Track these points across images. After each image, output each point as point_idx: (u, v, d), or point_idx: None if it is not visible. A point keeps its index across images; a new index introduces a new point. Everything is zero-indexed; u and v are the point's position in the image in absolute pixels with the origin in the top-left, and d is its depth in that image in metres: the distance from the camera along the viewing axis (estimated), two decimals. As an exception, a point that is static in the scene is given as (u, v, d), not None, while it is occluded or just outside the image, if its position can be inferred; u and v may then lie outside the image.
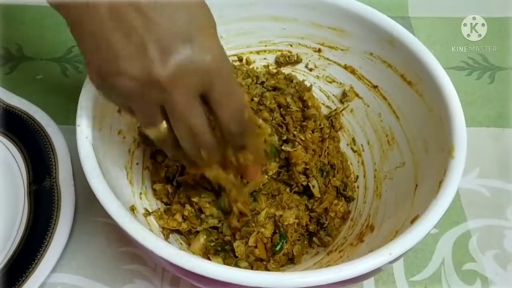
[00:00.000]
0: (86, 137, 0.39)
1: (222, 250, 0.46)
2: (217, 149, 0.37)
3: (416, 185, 0.45)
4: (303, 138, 0.50)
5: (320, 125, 0.52)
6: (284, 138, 0.51)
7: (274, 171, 0.49)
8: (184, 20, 0.32)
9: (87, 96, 0.42)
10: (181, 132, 0.35)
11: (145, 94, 0.33)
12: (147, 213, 0.46)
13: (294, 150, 0.49)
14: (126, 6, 0.31)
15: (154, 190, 0.49)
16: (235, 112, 0.35)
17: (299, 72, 0.57)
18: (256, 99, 0.52)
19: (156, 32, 0.31)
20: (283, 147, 0.49)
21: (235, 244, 0.45)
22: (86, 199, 0.52)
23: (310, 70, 0.56)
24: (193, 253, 0.46)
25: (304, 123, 0.52)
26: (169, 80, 0.32)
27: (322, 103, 0.56)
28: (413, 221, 0.38)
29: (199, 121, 0.34)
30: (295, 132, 0.50)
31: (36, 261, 0.47)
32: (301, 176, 0.49)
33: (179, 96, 0.32)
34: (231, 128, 0.36)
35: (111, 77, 0.32)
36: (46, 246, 0.48)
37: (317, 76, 0.56)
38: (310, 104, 0.53)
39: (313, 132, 0.51)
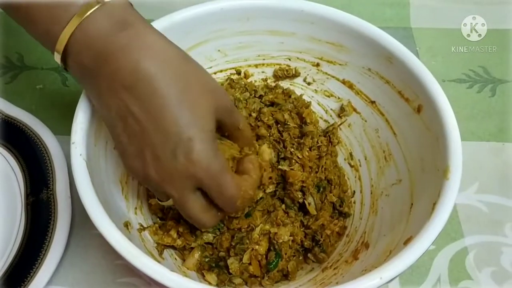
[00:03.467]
0: (80, 155, 0.40)
1: (217, 266, 0.46)
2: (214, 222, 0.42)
3: (412, 204, 0.44)
4: (300, 156, 0.50)
5: (317, 142, 0.52)
6: (282, 155, 0.50)
7: (271, 190, 0.48)
8: (176, 131, 0.36)
9: (83, 111, 0.42)
10: (182, 214, 0.41)
11: (147, 184, 0.40)
12: (142, 229, 0.46)
13: (291, 169, 0.49)
14: (130, 114, 0.36)
15: (149, 205, 0.49)
16: (227, 202, 0.39)
17: (297, 86, 0.57)
18: (254, 115, 0.52)
19: (150, 142, 0.36)
20: (280, 166, 0.49)
21: (229, 261, 0.45)
22: (83, 211, 0.50)
23: (309, 84, 0.56)
24: (188, 269, 0.46)
25: (302, 140, 0.51)
26: (160, 181, 0.37)
27: (320, 117, 0.56)
28: (406, 242, 0.38)
29: (193, 211, 0.39)
30: (292, 150, 0.50)
31: (32, 273, 0.47)
32: (297, 192, 0.49)
33: (173, 191, 0.38)
34: (226, 210, 0.41)
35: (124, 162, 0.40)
36: (42, 258, 0.48)
37: (315, 90, 0.56)
38: (308, 120, 0.53)
39: (310, 149, 0.51)
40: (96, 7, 0.36)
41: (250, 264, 0.45)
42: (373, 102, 0.52)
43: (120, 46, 0.36)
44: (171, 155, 0.36)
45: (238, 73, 0.56)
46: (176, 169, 0.36)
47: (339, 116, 0.55)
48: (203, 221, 0.40)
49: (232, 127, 0.42)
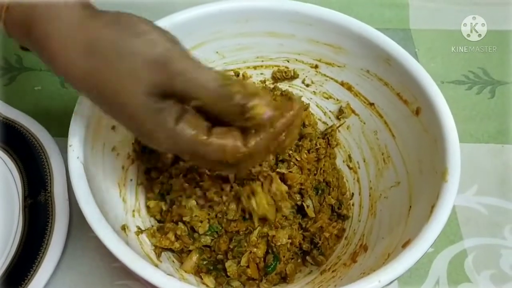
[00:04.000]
0: (78, 158, 0.39)
1: (214, 269, 0.46)
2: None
3: (410, 206, 0.44)
4: (298, 158, 0.50)
5: (316, 144, 0.52)
6: (280, 158, 0.50)
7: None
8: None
9: (80, 114, 0.42)
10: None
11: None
12: (140, 231, 0.46)
13: (290, 172, 0.49)
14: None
15: (147, 207, 0.49)
16: (206, 92, 0.34)
17: (296, 88, 0.57)
18: (252, 116, 0.52)
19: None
20: (278, 169, 0.49)
21: (227, 264, 0.45)
22: (80, 214, 0.50)
23: (307, 86, 0.56)
24: (185, 271, 0.46)
25: (300, 143, 0.51)
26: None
27: (318, 119, 0.56)
28: (405, 245, 0.38)
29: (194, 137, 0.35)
30: (290, 152, 0.50)
31: (30, 275, 0.47)
32: (296, 195, 0.49)
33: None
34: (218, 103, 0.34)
35: None
36: (40, 260, 0.48)
37: (314, 92, 0.56)
38: (306, 122, 0.53)
39: (309, 152, 0.51)
40: None
41: (248, 267, 0.45)
42: (371, 104, 0.52)
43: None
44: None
45: (237, 75, 0.56)
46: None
47: (337, 118, 0.55)
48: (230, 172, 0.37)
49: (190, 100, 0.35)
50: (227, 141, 0.35)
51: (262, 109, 0.34)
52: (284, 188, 0.48)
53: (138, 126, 0.35)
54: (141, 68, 0.33)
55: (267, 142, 0.36)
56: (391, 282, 0.35)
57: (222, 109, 0.34)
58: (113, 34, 0.33)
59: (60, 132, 0.57)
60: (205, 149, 0.35)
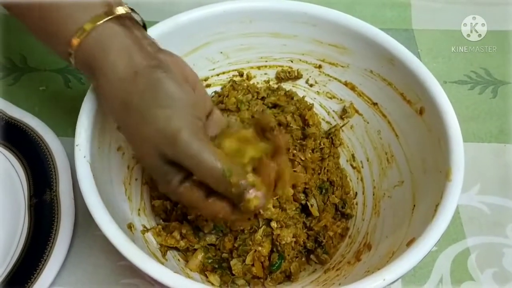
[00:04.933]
0: (84, 157, 0.40)
1: (220, 268, 0.47)
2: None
3: (414, 206, 0.45)
4: (303, 158, 0.50)
5: (320, 144, 0.52)
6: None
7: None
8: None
9: (86, 114, 0.42)
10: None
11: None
12: (145, 230, 0.46)
13: (294, 171, 0.49)
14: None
15: (152, 206, 0.50)
16: (209, 176, 0.37)
17: (299, 88, 0.57)
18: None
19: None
20: None
21: (232, 262, 0.45)
22: (86, 212, 0.51)
23: (311, 86, 0.57)
24: (191, 270, 0.46)
25: (304, 142, 0.52)
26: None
27: (322, 119, 0.57)
28: (409, 243, 0.38)
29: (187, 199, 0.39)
30: (294, 151, 0.51)
31: (36, 274, 0.47)
32: (300, 194, 0.50)
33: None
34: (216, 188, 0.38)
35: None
36: (46, 259, 0.48)
37: (317, 92, 0.56)
38: (310, 122, 0.53)
39: (313, 151, 0.51)
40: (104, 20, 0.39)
41: (253, 265, 0.46)
42: (375, 104, 0.52)
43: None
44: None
45: (241, 75, 0.57)
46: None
47: (341, 117, 0.56)
48: (204, 211, 0.40)
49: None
50: (218, 211, 0.39)
51: (255, 202, 0.37)
52: (290, 191, 0.48)
53: (152, 175, 0.42)
54: (156, 137, 0.37)
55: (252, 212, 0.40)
56: (395, 281, 0.36)
57: (221, 192, 0.38)
58: (142, 101, 0.37)
59: (64, 131, 0.57)
60: (201, 211, 0.40)
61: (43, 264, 0.48)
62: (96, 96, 0.43)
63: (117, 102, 0.38)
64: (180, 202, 0.41)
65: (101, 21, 0.38)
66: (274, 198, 0.48)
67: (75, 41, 0.39)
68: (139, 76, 0.38)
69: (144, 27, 0.43)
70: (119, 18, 0.39)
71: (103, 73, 0.39)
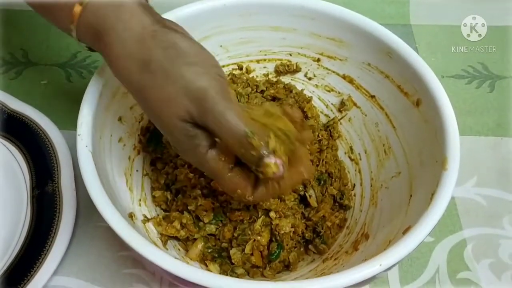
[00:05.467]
0: (86, 146, 0.40)
1: (219, 257, 0.47)
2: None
3: (411, 195, 0.45)
4: (301, 149, 0.51)
5: (318, 136, 0.52)
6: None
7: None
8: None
9: (88, 105, 0.43)
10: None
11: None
12: (146, 220, 0.47)
13: None
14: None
15: (153, 197, 0.50)
16: (231, 136, 0.36)
17: (298, 81, 0.58)
18: (255, 109, 0.53)
19: None
20: None
21: (232, 252, 0.46)
22: (87, 203, 0.53)
23: (309, 79, 0.57)
24: (191, 259, 0.47)
25: (303, 134, 0.52)
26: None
27: (321, 112, 0.57)
28: (405, 231, 0.39)
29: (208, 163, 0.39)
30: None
31: (38, 264, 0.48)
32: (299, 185, 0.50)
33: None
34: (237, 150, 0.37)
35: None
36: (48, 249, 0.49)
37: (316, 85, 0.57)
38: (309, 115, 0.54)
39: (311, 143, 0.52)
40: None
41: (252, 254, 0.46)
42: (373, 97, 0.53)
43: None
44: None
45: (240, 68, 0.57)
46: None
47: (339, 110, 0.56)
48: (225, 184, 0.40)
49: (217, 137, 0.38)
50: (239, 185, 0.39)
51: (274, 168, 0.37)
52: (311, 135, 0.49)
53: (175, 143, 0.39)
54: (182, 95, 0.36)
55: (270, 195, 0.41)
56: (392, 266, 0.36)
57: (241, 155, 0.37)
58: (166, 58, 0.36)
59: (66, 124, 0.58)
60: (221, 181, 0.40)
61: (45, 254, 0.48)
62: (106, 62, 0.40)
63: (134, 62, 0.37)
64: (203, 169, 0.40)
65: None
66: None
67: (77, 9, 0.38)
68: (158, 34, 0.37)
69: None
70: None
71: (116, 33, 0.37)
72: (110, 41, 0.38)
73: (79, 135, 0.41)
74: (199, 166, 0.40)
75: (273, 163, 0.36)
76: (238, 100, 0.54)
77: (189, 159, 0.40)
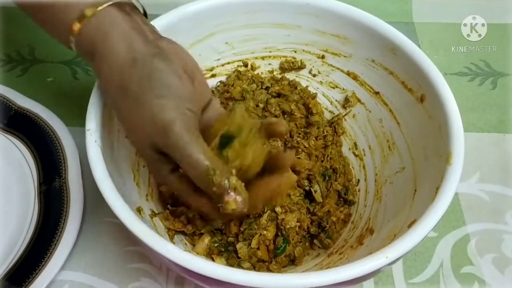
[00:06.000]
0: (95, 141, 0.41)
1: (226, 251, 0.48)
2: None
3: (415, 190, 0.46)
4: (306, 145, 0.51)
5: (323, 132, 0.53)
6: (288, 145, 0.52)
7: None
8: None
9: (96, 100, 0.43)
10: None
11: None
12: (153, 214, 0.47)
13: (298, 158, 0.50)
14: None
15: (160, 192, 0.51)
16: (193, 171, 0.37)
17: (303, 78, 0.58)
18: (261, 105, 0.54)
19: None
20: None
21: (238, 246, 0.47)
22: (94, 199, 0.53)
23: (314, 76, 0.58)
24: (197, 253, 0.47)
25: (308, 130, 0.53)
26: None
27: (325, 108, 0.58)
28: (410, 225, 0.39)
29: (176, 189, 0.41)
30: (298, 139, 0.52)
31: (46, 259, 0.48)
32: (304, 180, 0.51)
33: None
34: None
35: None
36: (55, 244, 0.49)
37: (320, 81, 0.58)
38: (314, 111, 0.54)
39: (316, 139, 0.52)
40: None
41: (258, 248, 0.47)
42: (377, 93, 0.53)
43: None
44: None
45: (245, 65, 0.58)
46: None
47: (343, 107, 0.57)
48: (189, 203, 0.42)
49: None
50: (202, 205, 0.40)
51: (233, 205, 0.37)
52: (295, 177, 0.49)
53: (144, 161, 0.44)
54: (148, 125, 0.38)
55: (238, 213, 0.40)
56: (397, 259, 0.37)
57: (203, 188, 0.38)
58: (139, 89, 0.38)
59: (72, 121, 0.58)
60: (187, 201, 0.42)
61: (52, 249, 0.49)
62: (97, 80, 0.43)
63: (114, 86, 0.39)
64: (170, 190, 0.43)
65: (102, 7, 0.39)
66: None
67: (76, 27, 0.39)
68: (138, 62, 0.38)
69: (145, 14, 0.44)
70: (120, 5, 0.40)
71: (104, 58, 0.39)
72: (98, 67, 0.40)
73: (88, 129, 0.42)
74: (167, 187, 0.44)
75: (232, 200, 0.37)
76: (243, 97, 0.54)
77: (155, 178, 0.45)
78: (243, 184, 0.38)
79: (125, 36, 0.39)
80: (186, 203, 0.43)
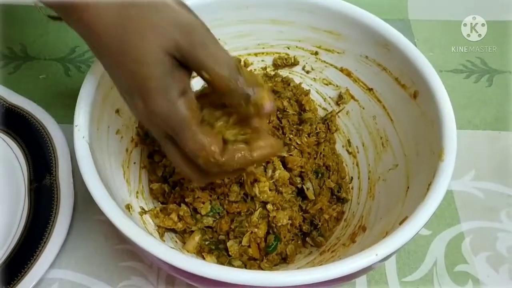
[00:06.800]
0: (83, 137, 0.40)
1: (216, 249, 0.47)
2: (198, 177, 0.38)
3: (408, 187, 0.45)
4: (299, 142, 0.51)
5: (316, 129, 0.53)
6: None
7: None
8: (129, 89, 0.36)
9: (86, 96, 0.43)
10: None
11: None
12: (143, 212, 0.47)
13: (290, 155, 0.50)
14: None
15: (150, 189, 0.50)
16: (191, 156, 0.35)
17: (296, 74, 0.58)
18: (253, 102, 0.53)
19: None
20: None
21: (229, 244, 0.46)
22: (85, 197, 0.53)
23: (307, 72, 0.57)
24: (188, 251, 0.47)
25: (300, 127, 0.52)
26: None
27: (318, 105, 0.57)
28: (401, 222, 0.39)
29: (174, 160, 0.38)
30: (291, 136, 0.51)
31: (35, 256, 0.48)
32: (296, 178, 0.50)
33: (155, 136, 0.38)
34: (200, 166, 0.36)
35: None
36: (45, 242, 0.49)
37: (314, 78, 0.57)
38: (307, 107, 0.54)
39: (309, 136, 0.52)
40: None
41: (249, 246, 0.46)
42: (370, 90, 0.53)
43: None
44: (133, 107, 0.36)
45: (238, 61, 0.57)
46: (146, 117, 0.36)
47: (337, 103, 0.56)
48: (187, 173, 0.38)
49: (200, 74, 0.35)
50: (210, 141, 0.35)
51: (266, 99, 0.35)
52: (286, 175, 0.49)
53: (143, 79, 0.34)
54: (170, 26, 0.33)
55: (240, 163, 0.37)
56: (388, 257, 0.36)
57: (228, 90, 0.34)
58: None
59: (64, 118, 0.58)
60: (188, 135, 0.35)
61: (42, 247, 0.48)
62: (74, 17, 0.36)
63: (111, 8, 0.34)
64: (168, 121, 0.35)
65: None
66: (270, 181, 0.48)
67: None
68: None
69: None
70: None
71: None
72: (82, 7, 0.35)
73: (76, 125, 0.41)
74: (164, 115, 0.34)
75: (265, 94, 0.35)
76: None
77: (154, 103, 0.34)
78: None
79: None
80: (186, 140, 0.35)
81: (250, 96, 0.35)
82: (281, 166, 0.50)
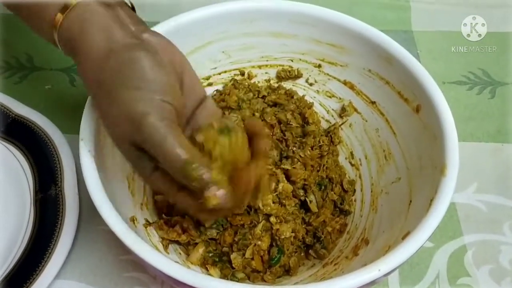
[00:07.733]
0: (89, 151, 0.41)
1: (220, 261, 0.47)
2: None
3: (410, 201, 0.46)
4: (302, 155, 0.51)
5: (319, 142, 0.53)
6: (284, 154, 0.52)
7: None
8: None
9: (91, 109, 0.43)
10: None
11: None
12: (148, 224, 0.47)
13: (294, 168, 0.50)
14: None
15: (155, 201, 0.51)
16: (171, 165, 0.36)
17: (299, 87, 0.58)
18: (257, 114, 0.54)
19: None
20: (282, 165, 0.50)
21: (232, 256, 0.46)
22: (90, 207, 0.52)
23: (311, 85, 0.58)
24: (192, 263, 0.47)
25: (304, 140, 0.53)
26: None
27: (322, 117, 0.58)
28: (404, 237, 0.39)
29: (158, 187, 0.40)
30: (294, 149, 0.52)
31: (40, 267, 0.48)
32: (299, 190, 0.51)
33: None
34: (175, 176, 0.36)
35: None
36: (50, 253, 0.49)
37: (317, 90, 0.58)
38: (310, 120, 0.54)
39: (312, 148, 0.52)
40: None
41: (252, 259, 0.47)
42: (373, 103, 0.53)
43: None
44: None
45: (242, 74, 0.58)
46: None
47: (340, 116, 0.57)
48: (174, 201, 0.40)
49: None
50: (188, 205, 0.38)
51: (213, 201, 0.35)
52: (290, 187, 0.49)
53: (127, 160, 0.40)
54: (124, 121, 0.36)
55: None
56: (391, 272, 0.37)
57: (184, 184, 0.36)
58: (113, 82, 0.37)
59: (69, 129, 0.58)
60: (171, 200, 0.41)
61: (47, 257, 0.49)
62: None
63: (91, 80, 0.38)
64: (154, 190, 0.41)
65: None
66: (274, 194, 0.49)
67: (58, 19, 0.38)
68: (113, 54, 0.37)
69: (133, 8, 0.42)
70: None
71: (81, 51, 0.38)
72: (78, 61, 0.39)
73: (81, 139, 0.42)
74: (151, 186, 0.42)
75: (212, 196, 0.35)
76: (239, 106, 0.54)
77: (140, 177, 0.41)
78: (225, 177, 0.36)
79: (104, 28, 0.37)
80: (174, 204, 0.40)
81: (199, 196, 0.35)
82: (284, 179, 0.50)
